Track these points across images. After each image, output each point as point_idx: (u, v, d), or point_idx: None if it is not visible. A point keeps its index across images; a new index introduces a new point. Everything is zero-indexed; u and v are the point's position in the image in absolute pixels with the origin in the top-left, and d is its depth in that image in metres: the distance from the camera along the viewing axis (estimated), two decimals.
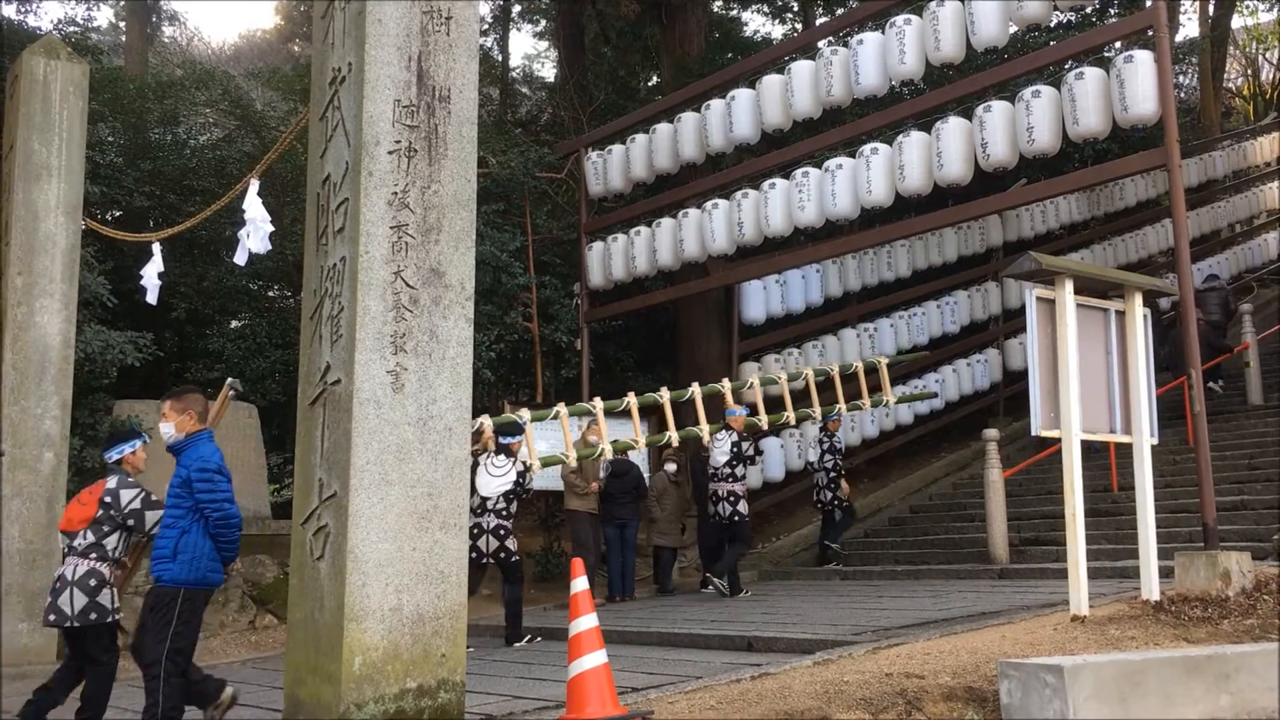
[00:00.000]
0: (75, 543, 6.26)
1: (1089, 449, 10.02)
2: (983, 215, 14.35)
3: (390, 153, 4.73)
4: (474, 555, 8.92)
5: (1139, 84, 9.41)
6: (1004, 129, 10.39)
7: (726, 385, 11.66)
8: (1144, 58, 9.43)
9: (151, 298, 11.33)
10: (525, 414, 10.28)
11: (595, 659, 5.12)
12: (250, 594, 11.66)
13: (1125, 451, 9.71)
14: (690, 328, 16.17)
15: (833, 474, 12.74)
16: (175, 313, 14.19)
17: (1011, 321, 16.85)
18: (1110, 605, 7.40)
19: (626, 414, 11.46)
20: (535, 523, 14.52)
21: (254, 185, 9.94)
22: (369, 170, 4.68)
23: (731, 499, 10.95)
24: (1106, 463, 12.30)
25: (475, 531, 8.98)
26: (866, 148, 11.50)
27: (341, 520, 4.49)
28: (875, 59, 11.39)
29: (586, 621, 5.22)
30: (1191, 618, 6.88)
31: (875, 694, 5.10)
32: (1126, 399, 7.42)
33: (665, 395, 11.39)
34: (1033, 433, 7.15)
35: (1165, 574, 7.69)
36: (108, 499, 6.24)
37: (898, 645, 6.69)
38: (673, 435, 11.24)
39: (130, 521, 6.23)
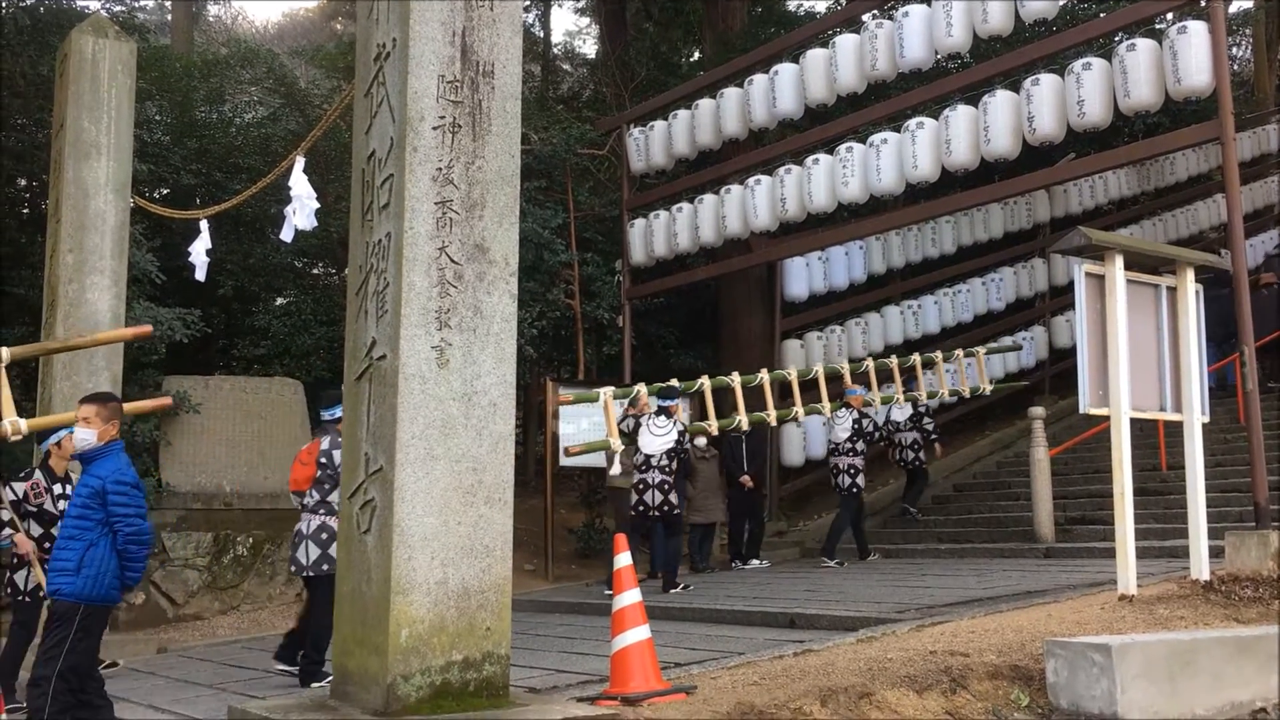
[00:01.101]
0: (305, 500, 6.88)
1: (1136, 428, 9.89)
2: (1030, 190, 14.15)
3: (435, 128, 4.73)
4: (641, 509, 9.92)
5: (1192, 55, 9.22)
6: (1052, 103, 10.23)
7: (845, 367, 12.00)
8: (1197, 28, 9.23)
9: (200, 274, 11.46)
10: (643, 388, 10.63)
11: (638, 634, 5.14)
12: None
13: (1173, 430, 9.57)
14: (732, 305, 16.11)
15: (934, 436, 13.21)
16: (222, 290, 14.34)
17: (1058, 298, 16.64)
18: (1158, 585, 7.31)
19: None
20: (577, 499, 14.59)
21: (299, 162, 10.01)
22: (414, 146, 4.69)
23: (851, 471, 11.52)
24: (1155, 441, 12.13)
25: (641, 487, 9.93)
26: (912, 122, 11.36)
27: (388, 495, 4.53)
28: (921, 32, 11.24)
29: (630, 597, 5.24)
30: (1242, 598, 6.79)
31: (919, 671, 5.08)
32: (1177, 376, 7.31)
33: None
34: (1080, 410, 7.07)
35: (1215, 554, 7.59)
36: (323, 459, 6.71)
37: (942, 623, 6.65)
38: (743, 419, 11.11)
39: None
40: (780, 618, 7.82)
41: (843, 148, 12.04)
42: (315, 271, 16.97)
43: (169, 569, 11.07)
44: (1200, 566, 7.22)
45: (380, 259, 4.82)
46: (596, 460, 12.52)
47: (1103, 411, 6.98)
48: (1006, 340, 15.25)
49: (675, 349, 16.19)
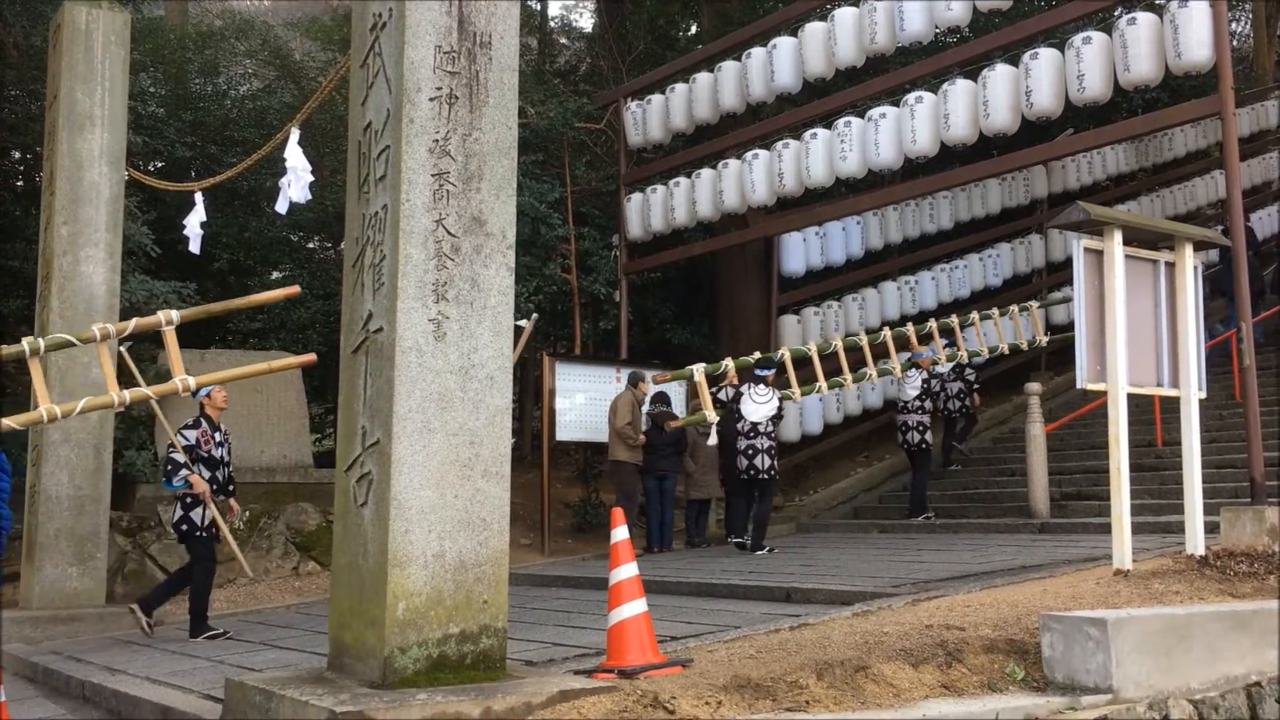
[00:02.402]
0: None
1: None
2: (1028, 165, 14.11)
3: (431, 99, 4.70)
4: (751, 472, 10.65)
5: (1193, 30, 9.17)
6: (1051, 77, 10.18)
7: (911, 329, 12.15)
8: (1198, 3, 9.18)
9: (194, 246, 11.41)
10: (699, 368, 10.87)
11: (635, 607, 5.15)
12: (293, 541, 11.83)
13: (1169, 406, 9.58)
14: (729, 280, 16.08)
15: (975, 386, 13.85)
16: (218, 263, 14.29)
17: (1055, 274, 16.64)
18: (1154, 560, 7.33)
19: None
20: (574, 474, 14.60)
21: (294, 134, 9.95)
22: (410, 117, 4.65)
23: (920, 429, 12.13)
24: (1151, 417, 12.15)
25: (750, 452, 10.62)
26: (911, 96, 11.31)
27: (384, 467, 4.52)
28: (921, 5, 11.17)
29: (627, 570, 5.24)
30: (1237, 573, 6.80)
31: (915, 645, 5.09)
32: (1175, 352, 7.30)
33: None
34: (1078, 385, 7.06)
35: (1210, 530, 7.61)
36: None
37: (937, 598, 6.67)
38: (784, 393, 11.29)
39: None
40: (776, 592, 7.84)
41: (841, 122, 11.98)
42: (311, 246, 16.91)
43: (166, 541, 11.07)
44: (1196, 542, 7.24)
45: (377, 231, 4.79)
46: (594, 435, 12.58)
47: (1100, 387, 6.98)
48: (1056, 295, 15.22)
49: (672, 324, 16.18)
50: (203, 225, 11.28)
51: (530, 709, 4.19)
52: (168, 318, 7.74)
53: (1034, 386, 11.80)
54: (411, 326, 4.56)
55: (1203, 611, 5.29)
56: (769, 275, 15.08)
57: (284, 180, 10.06)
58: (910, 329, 12.11)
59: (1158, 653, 4.88)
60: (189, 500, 8.26)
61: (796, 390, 10.98)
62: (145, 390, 8.02)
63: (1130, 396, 7.06)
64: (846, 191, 14.66)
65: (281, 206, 10.33)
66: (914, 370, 12.16)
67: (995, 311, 13.04)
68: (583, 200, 15.86)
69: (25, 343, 7.37)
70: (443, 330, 4.63)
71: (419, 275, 4.60)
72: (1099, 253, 7.00)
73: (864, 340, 11.60)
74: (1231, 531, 7.65)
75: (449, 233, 4.68)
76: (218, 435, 8.51)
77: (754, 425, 10.60)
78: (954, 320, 12.48)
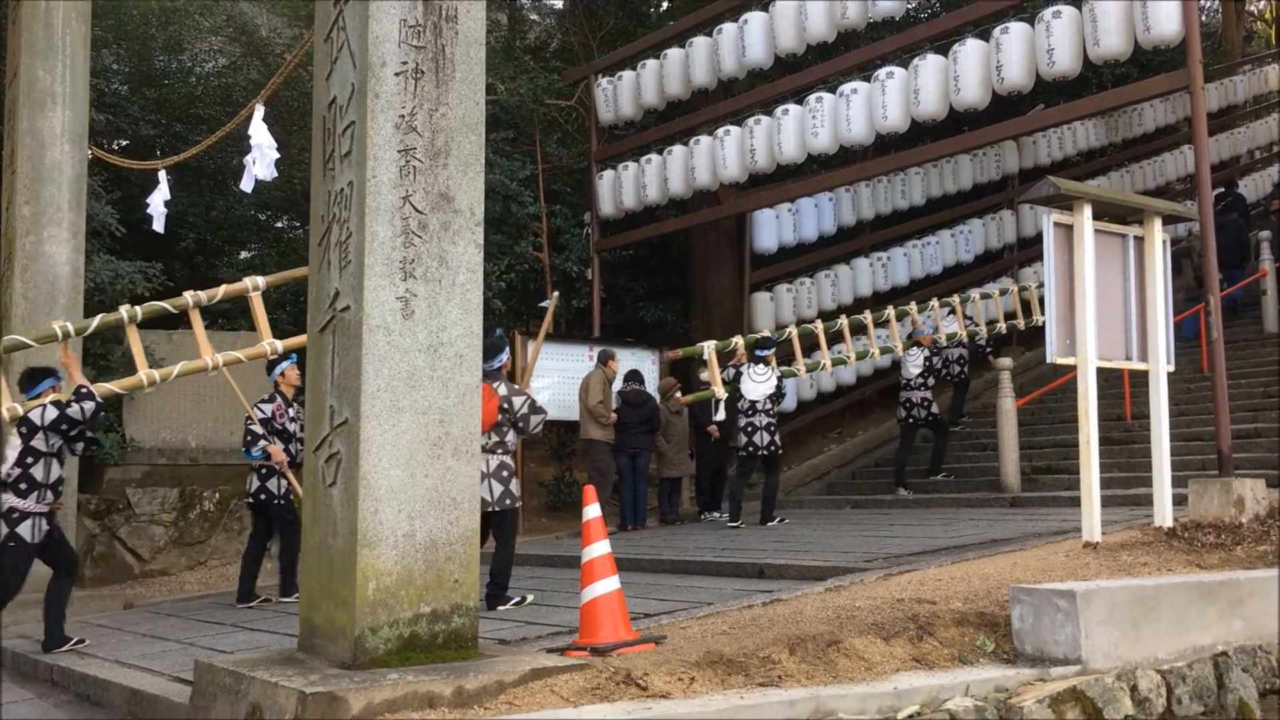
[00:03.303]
0: (482, 441, 7.01)
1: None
2: (999, 140, 14.13)
3: (397, 74, 4.63)
4: (750, 449, 10.85)
5: (1162, 4, 9.18)
6: (1022, 52, 10.18)
7: (913, 308, 12.46)
8: None
9: (159, 225, 11.27)
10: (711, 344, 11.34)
11: (608, 585, 5.14)
12: None
13: (1138, 380, 9.65)
14: (702, 257, 16.05)
15: (988, 350, 14.17)
16: (184, 243, 14.13)
17: (1026, 250, 16.70)
18: (1122, 532, 7.39)
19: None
20: (547, 453, 14.57)
21: (259, 111, 9.83)
22: (375, 92, 4.59)
23: (924, 404, 12.24)
24: (1120, 391, 12.24)
25: (749, 429, 10.83)
26: (882, 71, 11.29)
27: (353, 447, 4.48)
28: None
29: (599, 548, 5.23)
30: (1205, 544, 6.87)
31: (887, 619, 5.11)
32: (1143, 325, 7.34)
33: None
34: (1048, 360, 7.10)
35: (1178, 502, 7.68)
36: (505, 405, 7.18)
37: (909, 572, 6.71)
38: (824, 360, 11.95)
39: (520, 424, 7.24)
40: (749, 568, 7.86)
41: (812, 98, 11.95)
42: (279, 225, 16.74)
43: (135, 524, 10.99)
44: (1164, 514, 7.31)
45: (342, 208, 4.73)
46: (567, 414, 12.54)
47: (1069, 361, 7.01)
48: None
49: (645, 302, 16.14)
50: (167, 204, 11.15)
51: (503, 687, 4.18)
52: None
53: (1005, 361, 11.87)
54: (379, 305, 4.51)
55: (1170, 583, 5.33)
56: (741, 252, 15.06)
57: (249, 158, 9.95)
58: (913, 306, 12.45)
59: (1126, 624, 4.92)
60: (264, 471, 8.53)
61: (802, 366, 11.62)
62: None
63: (1100, 370, 7.11)
64: (818, 168, 14.65)
65: (247, 185, 10.22)
66: (915, 348, 12.29)
67: (995, 288, 13.31)
68: (554, 178, 15.76)
69: None
70: (411, 308, 4.58)
71: (386, 253, 4.55)
72: (1069, 227, 7.02)
73: (869, 318, 12.14)
74: (1199, 503, 7.72)
75: (416, 209, 4.63)
76: (291, 410, 8.83)
77: (752, 403, 10.84)
78: (955, 298, 12.87)
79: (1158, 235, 7.41)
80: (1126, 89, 10.86)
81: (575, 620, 5.46)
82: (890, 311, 12.25)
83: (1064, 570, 6.27)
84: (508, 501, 7.24)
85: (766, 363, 10.94)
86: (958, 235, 16.02)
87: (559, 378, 12.99)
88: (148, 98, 14.43)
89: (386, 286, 4.54)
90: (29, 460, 6.90)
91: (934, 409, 12.36)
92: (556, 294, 9.66)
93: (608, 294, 15.42)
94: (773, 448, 10.92)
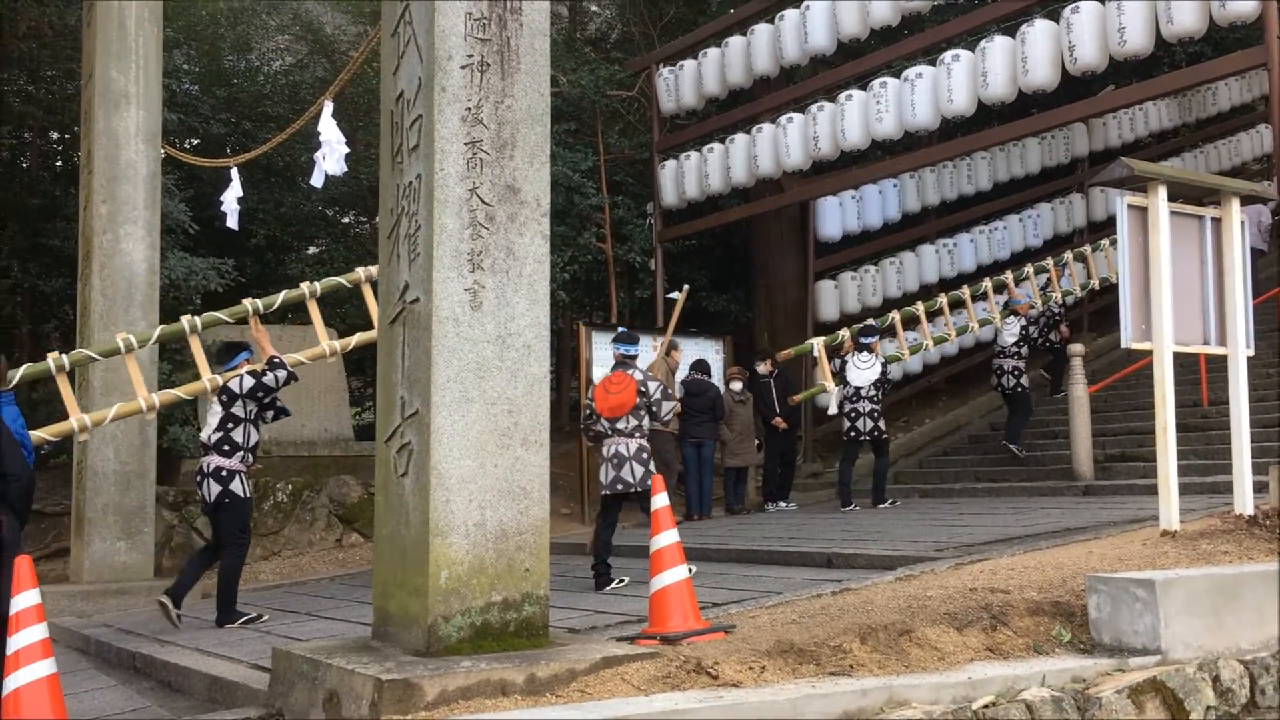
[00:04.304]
0: (620, 425, 7.72)
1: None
2: (1068, 123, 13.88)
3: (463, 67, 4.66)
4: (853, 434, 11.17)
5: None
6: (1093, 30, 9.98)
7: (1009, 276, 12.68)
8: None
9: (232, 222, 11.48)
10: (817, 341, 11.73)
11: (677, 574, 5.14)
12: (336, 513, 11.95)
13: (1215, 365, 9.42)
14: (765, 246, 15.98)
15: (1058, 319, 13.93)
16: (255, 239, 14.38)
17: (1096, 234, 16.36)
18: (1201, 520, 7.23)
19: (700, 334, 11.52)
20: None
21: (328, 107, 9.96)
22: (442, 86, 4.62)
23: (1016, 373, 12.28)
24: (1196, 377, 11.97)
25: (853, 415, 11.14)
26: (947, 55, 11.14)
27: (424, 437, 4.53)
28: None
29: (668, 537, 5.23)
30: None
31: (959, 609, 5.05)
32: (1221, 309, 7.16)
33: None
34: (1122, 345, 6.95)
35: (1259, 489, 7.48)
36: (641, 389, 7.66)
37: (981, 561, 6.62)
38: (925, 339, 12.38)
39: (654, 408, 7.72)
40: (817, 557, 7.81)
41: (876, 83, 11.83)
42: (346, 220, 16.98)
43: None
44: (1244, 501, 7.13)
45: (411, 201, 4.77)
46: None
47: (1145, 346, 6.86)
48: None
49: (708, 292, 16.11)
50: (240, 200, 11.35)
51: (574, 675, 4.20)
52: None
53: (1076, 347, 11.66)
54: (448, 296, 4.55)
55: (1252, 571, 5.21)
56: (805, 240, 14.97)
57: (319, 154, 10.10)
58: (1009, 275, 12.65)
59: (1207, 613, 4.81)
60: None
61: (905, 350, 12.13)
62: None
63: (1175, 355, 6.95)
64: (882, 154, 14.50)
65: (317, 180, 10.38)
66: (1012, 317, 12.48)
67: (1088, 248, 13.43)
68: (616, 168, 15.78)
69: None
70: (479, 299, 4.61)
71: (454, 245, 4.59)
72: (1143, 210, 6.86)
73: (966, 293, 12.36)
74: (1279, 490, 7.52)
75: (483, 201, 4.66)
76: None
77: (857, 389, 11.14)
78: (1049, 261, 13.05)
79: (1235, 216, 7.21)
80: (1202, 67, 10.61)
81: (643, 609, 5.47)
82: (988, 283, 12.53)
83: (1141, 559, 6.15)
84: (648, 482, 7.46)
85: (871, 350, 11.21)
86: (1025, 220, 15.77)
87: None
88: (218, 96, 14.70)
89: (455, 278, 4.57)
90: (230, 425, 7.43)
91: (1024, 380, 12.38)
92: (686, 286, 10.00)
93: (671, 284, 15.40)
94: (876, 432, 11.17)
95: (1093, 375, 12.52)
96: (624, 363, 7.93)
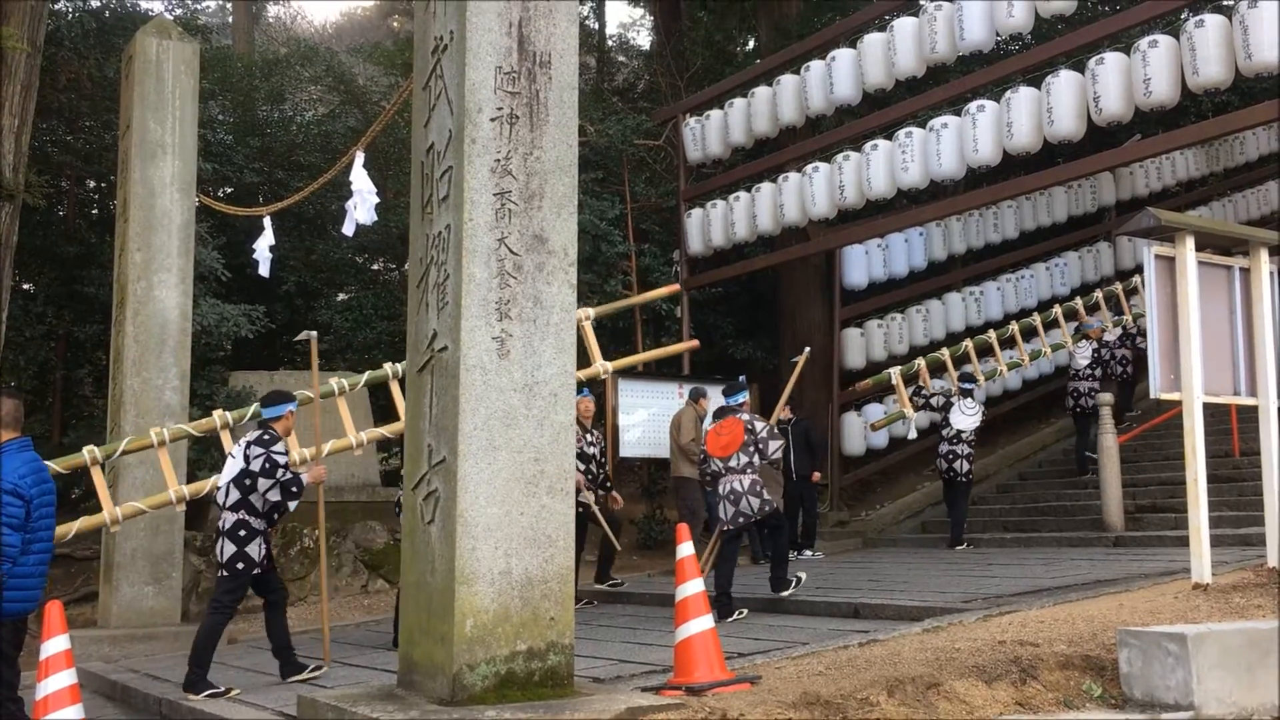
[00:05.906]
0: (731, 463, 8.19)
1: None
2: (1095, 173, 13.87)
3: (492, 119, 4.74)
4: (950, 475, 11.69)
5: (1264, 30, 8.98)
6: (1118, 82, 10.01)
7: (1079, 303, 13.64)
8: (1269, 3, 8.98)
9: (264, 270, 11.63)
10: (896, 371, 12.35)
11: (702, 623, 5.12)
12: (362, 559, 11.96)
13: (1246, 415, 9.33)
14: (791, 294, 16.00)
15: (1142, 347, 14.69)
16: (285, 286, 14.54)
17: (1124, 283, 16.30)
18: (1233, 573, 7.14)
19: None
20: (637, 490, 14.58)
21: (359, 157, 10.11)
22: (472, 138, 4.70)
23: (1091, 394, 12.79)
24: (1227, 427, 11.85)
25: (951, 457, 11.61)
26: (973, 105, 11.19)
27: (451, 485, 4.55)
28: (981, 13, 11.07)
29: (693, 586, 5.22)
30: None
31: (988, 661, 5.00)
32: (1252, 360, 7.12)
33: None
34: (1151, 395, 6.90)
35: None
36: (749, 428, 8.21)
37: (1010, 613, 6.55)
38: (999, 365, 13.03)
39: (762, 446, 8.20)
40: (844, 607, 7.76)
41: (902, 133, 11.89)
42: (375, 267, 17.16)
43: None
44: (1277, 553, 7.04)
45: (440, 251, 4.84)
46: (657, 451, 12.54)
47: (1174, 396, 6.82)
48: None
49: (734, 339, 16.13)
50: (272, 249, 11.50)
51: None
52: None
53: (1105, 397, 11.59)
54: (475, 345, 4.60)
55: None
56: (831, 288, 14.97)
57: (350, 203, 10.23)
58: (1079, 302, 13.58)
59: (1240, 669, 4.74)
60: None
61: (982, 380, 12.64)
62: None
63: (1206, 406, 6.90)
64: (908, 203, 14.52)
65: (348, 229, 10.51)
66: (1084, 341, 13.11)
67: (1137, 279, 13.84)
68: (643, 217, 15.89)
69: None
70: (506, 348, 4.65)
71: (482, 294, 4.64)
72: (1171, 260, 6.85)
73: (1038, 321, 13.23)
74: None
75: (511, 251, 4.71)
76: (589, 436, 9.98)
77: (959, 433, 11.64)
78: (1118, 288, 13.99)
79: (1264, 266, 7.18)
80: (1229, 117, 10.60)
81: (669, 659, 5.44)
82: (1058, 310, 13.34)
83: (1173, 613, 6.08)
84: (767, 508, 8.24)
85: (974, 397, 11.79)
86: (1053, 269, 15.72)
87: (648, 415, 13.03)
88: (251, 146, 14.95)
89: (483, 327, 4.62)
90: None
91: (1095, 399, 12.53)
92: (808, 349, 10.26)
93: (697, 331, 15.43)
94: (968, 475, 11.69)
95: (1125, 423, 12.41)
96: (731, 410, 8.50)
